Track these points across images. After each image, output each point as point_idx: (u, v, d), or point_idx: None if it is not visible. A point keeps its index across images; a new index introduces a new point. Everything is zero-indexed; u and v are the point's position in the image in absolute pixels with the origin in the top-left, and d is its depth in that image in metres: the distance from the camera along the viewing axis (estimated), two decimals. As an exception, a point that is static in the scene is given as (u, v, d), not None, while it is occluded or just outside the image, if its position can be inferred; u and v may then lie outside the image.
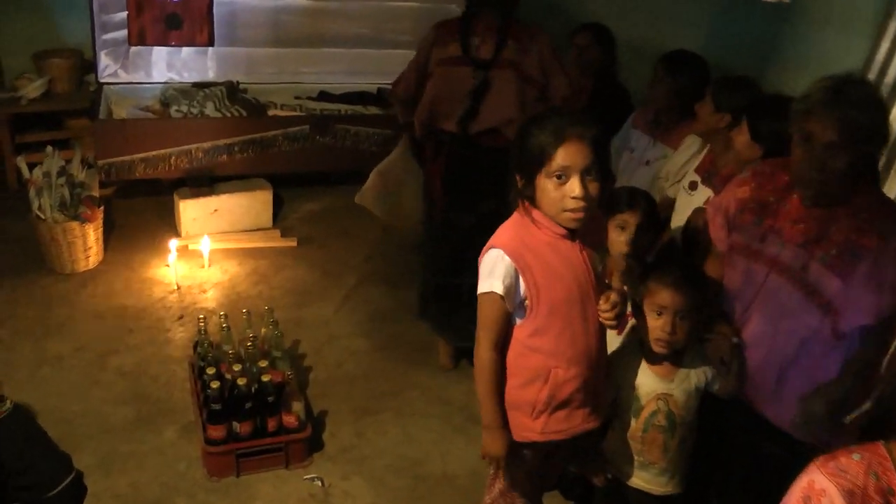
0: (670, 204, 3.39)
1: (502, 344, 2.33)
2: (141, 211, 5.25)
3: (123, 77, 5.41)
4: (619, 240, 2.86)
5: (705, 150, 3.32)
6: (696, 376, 2.53)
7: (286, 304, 4.43)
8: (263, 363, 3.33)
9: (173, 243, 4.57)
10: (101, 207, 4.62)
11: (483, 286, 2.27)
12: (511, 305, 2.27)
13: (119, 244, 4.89)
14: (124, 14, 5.27)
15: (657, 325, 2.45)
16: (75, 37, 5.53)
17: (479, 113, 3.58)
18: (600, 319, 2.32)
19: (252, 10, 5.53)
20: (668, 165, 3.55)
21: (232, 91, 5.32)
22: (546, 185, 2.17)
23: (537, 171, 2.17)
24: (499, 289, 2.22)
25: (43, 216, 4.43)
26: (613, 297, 2.31)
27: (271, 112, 5.38)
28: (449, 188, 3.76)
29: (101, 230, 4.65)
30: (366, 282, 4.67)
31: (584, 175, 2.13)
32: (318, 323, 4.30)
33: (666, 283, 2.44)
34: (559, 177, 2.14)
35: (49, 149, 4.55)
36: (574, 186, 2.12)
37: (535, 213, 2.24)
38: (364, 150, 5.22)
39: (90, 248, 4.57)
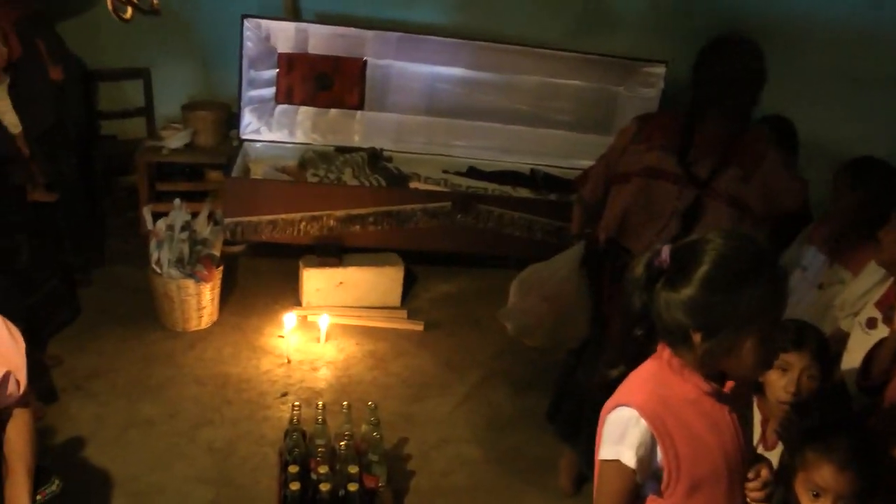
0: (842, 338, 2.85)
1: None
2: (266, 273, 4.97)
3: (266, 135, 5.21)
4: (778, 384, 2.38)
5: (889, 282, 2.77)
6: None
7: (400, 395, 4.01)
8: (354, 469, 2.90)
9: (290, 316, 4.25)
10: (220, 267, 4.36)
11: (608, 452, 1.79)
12: (642, 478, 1.78)
13: (237, 306, 4.61)
14: (274, 71, 5.10)
15: None
16: (226, 91, 5.38)
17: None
18: (747, 499, 1.82)
19: (407, 76, 5.24)
20: (846, 293, 3.02)
21: (374, 158, 5.03)
22: (753, 346, 1.71)
23: (746, 330, 1.70)
24: (629, 460, 1.74)
25: (159, 270, 4.20)
26: (765, 472, 1.82)
27: (413, 184, 5.05)
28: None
29: (217, 290, 4.39)
30: (491, 381, 4.19)
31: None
32: (431, 422, 3.84)
33: (830, 458, 1.91)
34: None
35: (177, 201, 4.34)
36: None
37: (682, 366, 1.77)
38: (507, 234, 4.80)
39: (204, 307, 4.30)
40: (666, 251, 1.76)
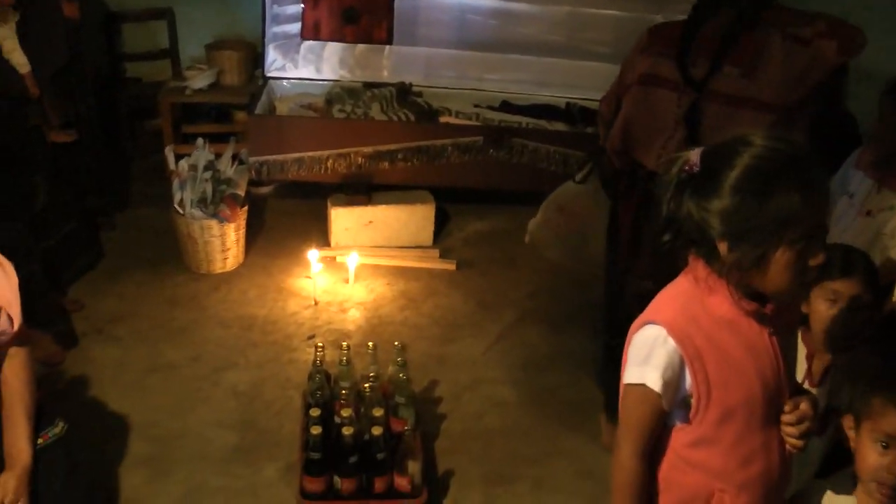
0: (893, 268, 2.64)
1: (651, 450, 1.68)
2: (294, 214, 4.83)
3: (291, 72, 5.04)
4: (826, 315, 2.19)
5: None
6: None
7: (431, 335, 3.85)
8: (379, 411, 2.74)
9: (314, 254, 4.09)
10: (245, 207, 4.21)
11: (632, 375, 1.63)
12: (668, 404, 1.61)
13: (263, 248, 4.47)
14: (299, 6, 4.91)
15: (881, 463, 1.66)
16: (252, 29, 5.20)
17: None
18: (781, 434, 1.64)
19: (436, 8, 5.03)
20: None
21: (403, 93, 4.83)
22: (785, 259, 1.52)
23: (775, 241, 1.50)
24: (654, 382, 1.58)
25: (182, 211, 4.06)
26: (804, 405, 1.63)
27: (443, 119, 4.83)
28: (637, 234, 3.01)
29: (242, 231, 4.25)
30: (526, 320, 4.01)
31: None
32: (464, 363, 3.68)
33: None
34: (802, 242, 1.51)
35: (199, 141, 4.22)
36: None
37: (717, 282, 1.58)
38: (543, 169, 4.57)
39: (228, 249, 4.17)
40: (696, 155, 1.58)
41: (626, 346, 1.68)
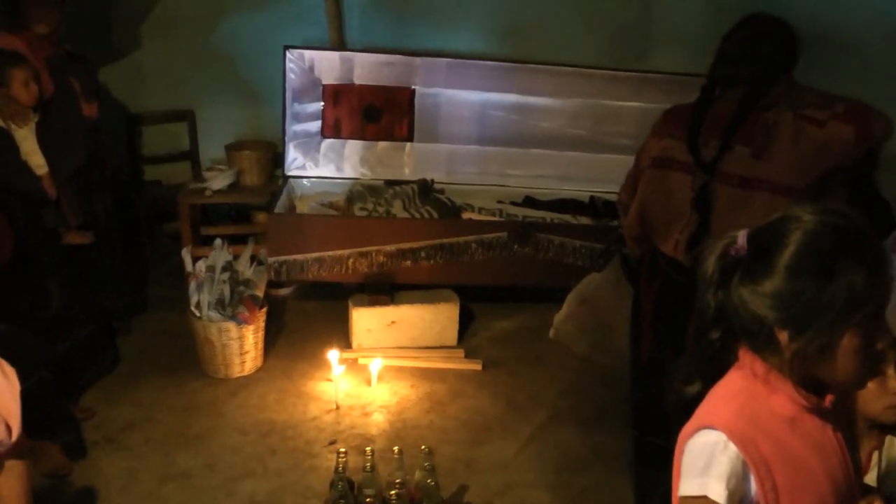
0: None
1: None
2: (314, 316, 4.70)
3: (312, 171, 4.98)
4: (875, 397, 2.01)
5: None
6: None
7: (459, 439, 3.67)
8: (407, 520, 2.56)
9: (334, 355, 3.94)
10: (264, 309, 4.09)
11: (690, 487, 1.44)
12: None
13: (283, 350, 4.33)
14: (319, 105, 4.88)
15: None
16: (272, 129, 5.17)
17: (705, 235, 2.61)
18: None
19: (457, 105, 4.98)
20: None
21: (425, 190, 4.75)
22: (853, 344, 1.36)
23: (842, 325, 1.36)
24: (718, 494, 1.40)
25: (198, 314, 3.94)
26: None
27: (466, 215, 4.73)
28: (658, 324, 2.87)
29: (261, 334, 4.12)
30: (557, 420, 3.83)
31: None
32: (494, 467, 3.48)
33: None
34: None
35: (217, 241, 4.13)
36: None
37: (773, 375, 1.44)
38: (570, 264, 4.44)
39: (247, 352, 4.03)
40: (742, 237, 1.44)
41: (676, 454, 1.51)
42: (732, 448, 1.40)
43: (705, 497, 1.41)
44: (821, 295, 1.34)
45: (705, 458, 1.43)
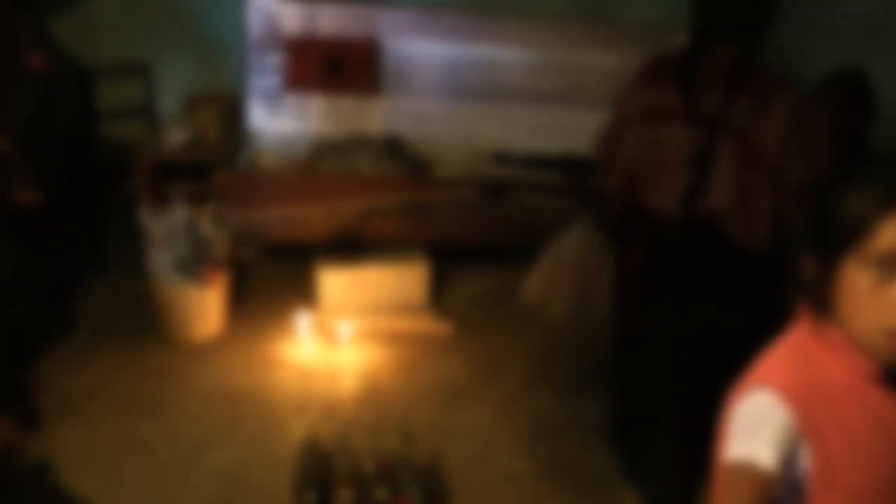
0: None
1: None
2: (280, 278, 4.51)
3: (276, 126, 4.78)
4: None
5: None
6: None
7: (432, 403, 3.55)
8: (383, 492, 2.44)
9: (303, 319, 3.79)
10: (227, 270, 3.92)
11: (737, 449, 1.31)
12: (781, 488, 1.29)
13: (248, 314, 4.15)
14: (281, 57, 4.68)
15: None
16: (233, 82, 4.96)
17: (707, 190, 2.54)
18: None
19: (425, 57, 4.81)
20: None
21: (393, 146, 4.57)
22: (857, 281, 1.24)
23: (843, 255, 1.25)
24: (766, 459, 1.26)
25: (157, 275, 3.77)
26: None
27: (436, 172, 4.58)
28: (652, 284, 2.75)
29: (225, 297, 3.95)
30: (533, 384, 3.71)
31: None
32: (470, 433, 3.37)
33: None
34: (883, 267, 1.21)
35: (176, 200, 3.93)
36: None
37: (833, 334, 1.30)
38: (543, 223, 4.30)
39: (209, 315, 3.87)
40: None
41: (723, 415, 1.39)
42: (786, 411, 1.28)
43: (751, 464, 1.28)
44: (823, 220, 1.29)
45: (755, 420, 1.31)
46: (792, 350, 1.36)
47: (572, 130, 4.88)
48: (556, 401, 3.60)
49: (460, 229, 4.34)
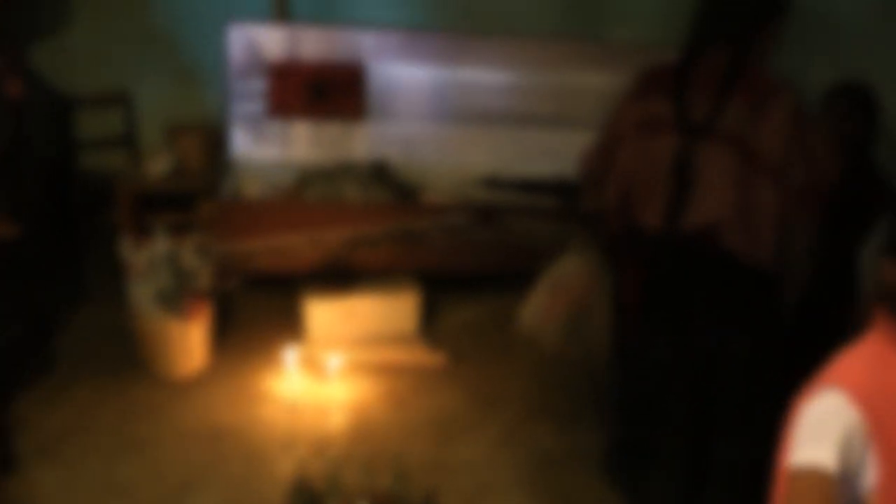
0: None
1: None
2: (266, 310, 4.38)
3: (258, 154, 4.64)
4: None
5: None
6: None
7: (426, 438, 3.42)
8: (376, 533, 2.31)
9: (290, 353, 3.66)
10: (210, 302, 3.79)
11: (801, 453, 1.23)
12: (846, 496, 1.21)
13: (233, 347, 4.02)
14: (263, 83, 4.57)
15: None
16: (213, 110, 4.85)
17: (688, 202, 2.46)
18: None
19: (412, 81, 4.70)
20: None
21: (380, 172, 4.46)
22: None
23: None
24: (829, 462, 1.18)
25: (138, 309, 3.63)
26: None
27: (424, 198, 4.46)
28: (648, 308, 2.65)
29: (208, 330, 3.82)
30: (532, 416, 3.59)
31: None
32: (466, 468, 3.24)
33: None
34: None
35: (158, 230, 3.81)
36: None
37: None
38: (536, 248, 4.19)
39: (192, 349, 3.73)
40: None
41: (790, 418, 1.30)
42: (856, 413, 1.21)
43: (815, 468, 1.21)
44: None
45: (822, 422, 1.24)
46: (867, 354, 1.29)
47: (564, 153, 4.74)
48: (555, 432, 3.48)
49: (451, 256, 4.21)
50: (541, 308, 3.12)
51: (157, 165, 4.69)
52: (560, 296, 3.08)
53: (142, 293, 3.65)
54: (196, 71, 5.04)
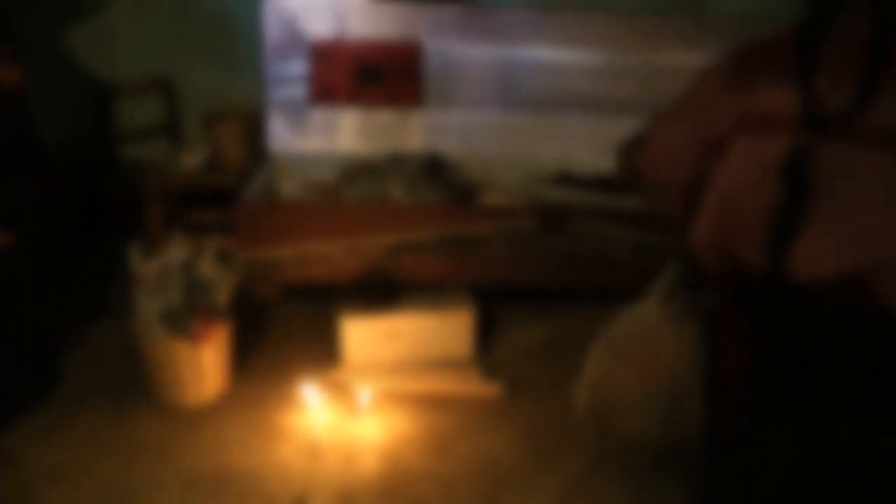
0: None
1: None
2: (300, 328, 3.87)
3: (298, 145, 4.14)
4: None
5: None
6: None
7: (471, 493, 2.83)
8: None
9: (310, 384, 3.13)
10: (230, 321, 3.29)
11: None
12: None
13: (255, 372, 3.52)
14: (307, 65, 4.05)
15: None
16: (256, 96, 4.37)
17: (801, 233, 1.71)
18: None
19: (475, 62, 4.13)
20: None
21: (433, 167, 3.88)
22: None
23: None
24: None
25: (145, 327, 3.15)
26: None
27: (485, 198, 3.88)
28: (760, 384, 1.87)
29: (224, 352, 3.31)
30: (597, 469, 2.96)
31: None
32: (515, 534, 2.65)
33: None
34: None
35: (174, 235, 3.33)
36: None
37: None
38: (615, 259, 3.57)
39: (204, 376, 3.22)
40: None
41: None
42: None
43: None
44: None
45: None
46: None
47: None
48: (626, 490, 2.85)
49: (513, 268, 3.63)
50: (610, 384, 2.46)
51: (192, 158, 4.23)
52: (638, 365, 2.41)
53: (148, 309, 3.17)
54: (242, 56, 4.56)
